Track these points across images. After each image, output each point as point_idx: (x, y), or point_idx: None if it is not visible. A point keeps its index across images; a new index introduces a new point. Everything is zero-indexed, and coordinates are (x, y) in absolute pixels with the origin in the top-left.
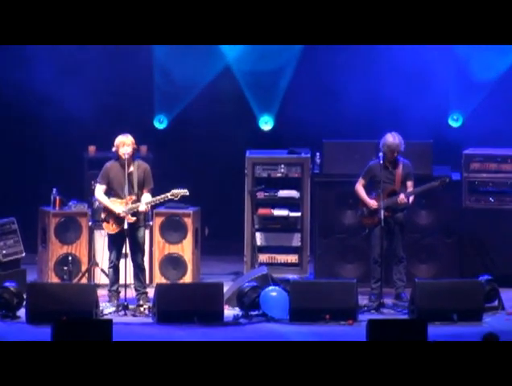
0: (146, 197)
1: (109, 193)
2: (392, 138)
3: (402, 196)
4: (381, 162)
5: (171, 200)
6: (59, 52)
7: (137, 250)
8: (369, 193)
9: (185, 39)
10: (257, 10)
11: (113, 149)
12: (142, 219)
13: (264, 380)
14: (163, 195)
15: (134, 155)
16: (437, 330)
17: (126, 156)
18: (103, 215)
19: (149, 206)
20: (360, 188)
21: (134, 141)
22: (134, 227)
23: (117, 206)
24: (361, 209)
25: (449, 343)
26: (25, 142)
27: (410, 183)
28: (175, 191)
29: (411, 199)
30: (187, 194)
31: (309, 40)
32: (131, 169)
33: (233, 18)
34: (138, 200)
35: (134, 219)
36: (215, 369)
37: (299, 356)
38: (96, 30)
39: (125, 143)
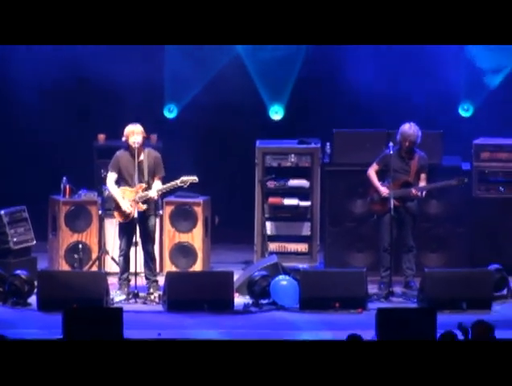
0: (157, 184)
1: (120, 182)
2: (408, 128)
3: (414, 191)
4: (391, 151)
5: (180, 188)
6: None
7: (147, 239)
8: (382, 180)
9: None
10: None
11: (123, 138)
12: (153, 208)
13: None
14: (172, 183)
15: (144, 144)
16: (446, 319)
17: (137, 145)
18: (114, 204)
19: (159, 193)
20: (372, 173)
21: (143, 130)
22: (144, 215)
23: (128, 195)
24: (372, 195)
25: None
26: (35, 131)
27: (423, 176)
28: (184, 178)
29: (424, 193)
30: (197, 180)
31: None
32: (141, 157)
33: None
34: (149, 188)
35: (145, 207)
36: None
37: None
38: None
39: (134, 132)
